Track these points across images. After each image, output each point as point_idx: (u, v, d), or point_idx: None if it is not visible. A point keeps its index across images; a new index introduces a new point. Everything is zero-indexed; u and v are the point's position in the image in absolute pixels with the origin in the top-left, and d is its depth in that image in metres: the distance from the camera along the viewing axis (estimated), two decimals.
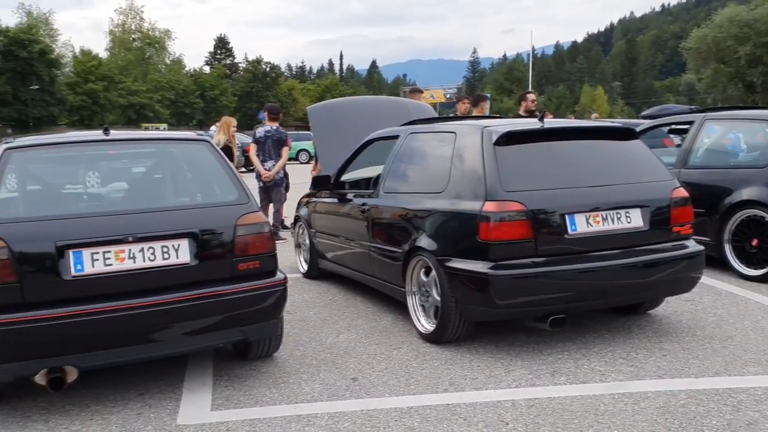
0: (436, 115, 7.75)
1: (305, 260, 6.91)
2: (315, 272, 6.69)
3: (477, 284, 4.19)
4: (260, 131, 9.08)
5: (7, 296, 3.37)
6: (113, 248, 3.55)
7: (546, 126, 4.70)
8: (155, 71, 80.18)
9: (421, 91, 10.48)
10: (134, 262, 3.59)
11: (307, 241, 6.81)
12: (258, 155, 8.96)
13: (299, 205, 7.20)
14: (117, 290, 3.57)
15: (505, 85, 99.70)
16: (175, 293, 3.65)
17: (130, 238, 3.57)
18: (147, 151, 4.34)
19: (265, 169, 8.90)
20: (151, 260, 3.63)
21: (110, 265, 3.54)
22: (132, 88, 70.26)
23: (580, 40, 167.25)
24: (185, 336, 3.76)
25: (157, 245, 3.64)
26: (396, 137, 5.50)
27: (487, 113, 9.63)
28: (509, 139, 4.45)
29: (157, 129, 49.81)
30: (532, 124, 4.87)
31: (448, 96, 62.17)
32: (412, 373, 4.10)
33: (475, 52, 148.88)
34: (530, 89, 34.98)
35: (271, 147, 8.95)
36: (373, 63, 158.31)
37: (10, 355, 3.38)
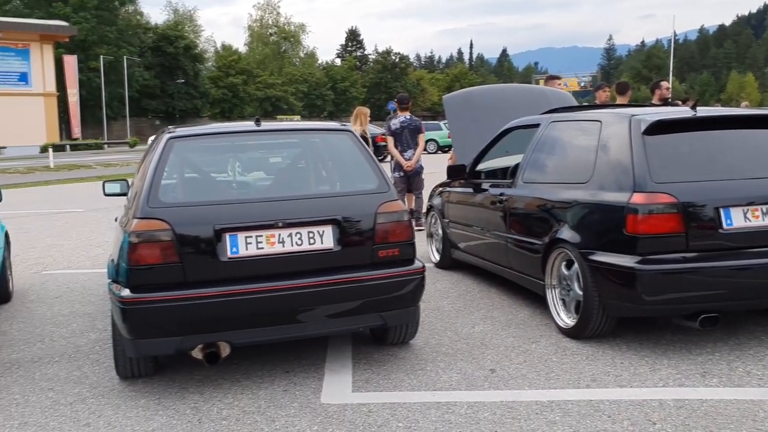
0: (576, 104, 7.51)
1: (437, 250, 6.93)
2: (447, 262, 6.70)
3: (623, 279, 4.04)
4: (395, 122, 9.13)
5: (170, 275, 3.62)
6: (264, 233, 3.72)
7: (699, 114, 4.44)
8: (290, 64, 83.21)
9: (558, 78, 10.19)
10: (283, 246, 3.75)
11: (440, 231, 6.83)
12: (396, 146, 9.03)
13: (432, 195, 7.23)
14: (267, 272, 3.74)
15: (643, 73, 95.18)
16: (319, 277, 3.79)
17: (280, 224, 3.73)
18: (294, 141, 4.51)
19: (406, 159, 8.98)
20: (298, 245, 3.77)
21: (262, 248, 3.72)
22: (268, 81, 73.34)
23: (728, 23, 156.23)
24: (327, 318, 3.89)
25: (303, 231, 3.79)
26: (536, 126, 5.39)
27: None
28: (659, 128, 4.25)
29: (291, 120, 51.69)
30: (684, 112, 4.62)
31: (582, 84, 60.50)
32: (552, 368, 4.02)
33: (610, 38, 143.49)
34: (664, 77, 33.06)
35: (408, 136, 9.00)
36: (504, 51, 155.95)
37: (173, 330, 3.63)
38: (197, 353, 3.78)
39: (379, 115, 60.54)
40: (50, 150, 32.51)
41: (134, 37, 62.05)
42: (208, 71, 73.70)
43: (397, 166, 9.08)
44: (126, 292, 3.62)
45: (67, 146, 45.18)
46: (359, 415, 3.45)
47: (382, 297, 3.89)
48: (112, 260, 4.04)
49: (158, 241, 3.61)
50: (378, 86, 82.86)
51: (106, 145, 50.01)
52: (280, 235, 3.75)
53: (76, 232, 10.58)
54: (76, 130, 50.56)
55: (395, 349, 4.45)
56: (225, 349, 3.78)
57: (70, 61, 49.38)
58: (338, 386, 3.83)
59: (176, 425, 3.43)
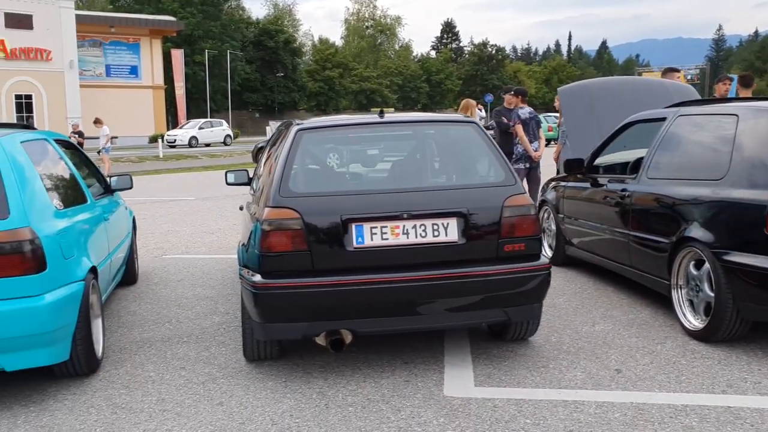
0: (699, 97, 7.18)
1: (550, 246, 6.80)
2: (561, 259, 6.57)
3: (762, 281, 3.83)
4: (523, 113, 8.92)
5: (299, 263, 3.71)
6: (390, 224, 3.75)
7: None
8: (385, 57, 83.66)
9: (677, 70, 9.74)
10: (407, 237, 3.77)
11: (553, 227, 6.69)
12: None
13: (545, 189, 7.10)
14: (390, 263, 3.78)
15: (756, 65, 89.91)
16: (442, 270, 3.78)
17: (405, 215, 3.75)
18: (418, 133, 4.52)
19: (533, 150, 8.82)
20: (422, 237, 3.78)
21: (386, 239, 3.75)
22: (364, 75, 74.04)
23: None
24: (447, 312, 3.88)
25: (428, 223, 3.79)
26: (661, 120, 5.18)
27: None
28: None
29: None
30: None
31: (689, 77, 57.71)
32: (681, 371, 3.87)
33: (720, 29, 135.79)
34: None
35: (534, 128, 8.85)
36: (603, 43, 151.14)
37: (300, 316, 3.73)
38: (321, 340, 3.87)
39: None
40: (160, 140, 34.05)
41: (237, 31, 64.01)
42: (305, 65, 75.19)
43: (522, 158, 8.88)
44: (258, 278, 3.74)
45: None
46: (485, 409, 3.43)
47: (506, 292, 3.85)
48: (243, 246, 4.18)
49: (289, 229, 3.70)
50: (473, 78, 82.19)
51: None
52: (404, 226, 3.77)
53: (189, 219, 11.04)
54: (182, 121, 52.70)
55: (514, 345, 4.39)
56: (347, 337, 3.84)
57: (177, 55, 51.45)
58: (460, 380, 3.83)
59: (304, 409, 3.51)
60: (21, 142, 4.14)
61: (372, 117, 4.35)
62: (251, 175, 6.00)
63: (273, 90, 66.14)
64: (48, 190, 4.10)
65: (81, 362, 3.96)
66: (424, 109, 72.34)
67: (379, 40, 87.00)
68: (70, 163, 4.97)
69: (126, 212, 6.34)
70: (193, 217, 11.28)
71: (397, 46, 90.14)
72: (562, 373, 3.89)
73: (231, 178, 6.00)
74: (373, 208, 3.78)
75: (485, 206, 3.87)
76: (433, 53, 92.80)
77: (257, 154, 22.08)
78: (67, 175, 4.78)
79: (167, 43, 52.69)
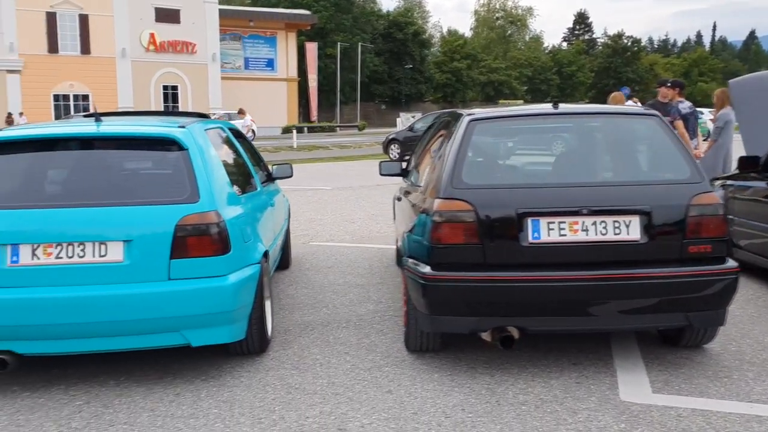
0: None
1: None
2: None
3: None
4: (684, 107, 8.47)
5: (471, 256, 3.67)
6: (568, 219, 3.63)
7: None
8: (515, 48, 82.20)
9: None
10: (586, 234, 3.63)
11: None
12: None
13: None
14: (566, 260, 3.66)
15: None
16: (621, 269, 3.62)
17: (585, 211, 3.62)
18: (595, 125, 4.36)
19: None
20: (603, 234, 3.63)
21: (564, 235, 3.63)
22: (492, 66, 73.09)
23: None
24: (621, 314, 3.71)
25: (609, 220, 3.64)
26: None
27: None
28: None
29: (510, 105, 51.16)
30: None
31: None
32: None
33: None
34: None
35: (694, 124, 8.39)
36: (751, 33, 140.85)
37: (470, 310, 3.69)
38: (487, 336, 3.81)
39: (604, 102, 57.74)
40: (294, 131, 35.20)
41: (367, 24, 64.96)
42: (433, 56, 75.22)
43: None
44: (427, 269, 3.73)
45: (305, 128, 48.64)
46: (668, 418, 3.25)
47: (689, 296, 3.63)
48: (409, 236, 4.19)
49: (461, 221, 3.67)
50: (606, 71, 79.05)
51: (338, 128, 53.07)
52: (584, 222, 3.63)
53: (330, 208, 11.30)
54: (314, 113, 54.27)
55: (688, 351, 4.15)
56: (514, 334, 3.76)
57: (312, 48, 52.98)
58: (636, 385, 3.65)
59: (475, 404, 3.48)
60: (205, 130, 4.35)
61: (546, 108, 4.23)
62: (404, 167, 6.03)
63: (400, 82, 66.64)
64: (228, 176, 4.29)
65: (255, 341, 4.13)
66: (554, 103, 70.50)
67: (509, 32, 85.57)
68: (243, 151, 5.18)
69: (284, 199, 6.55)
70: (333, 206, 11.54)
71: (527, 38, 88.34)
72: (750, 386, 3.62)
73: (385, 169, 6.05)
74: (551, 202, 3.67)
75: (670, 204, 3.67)
76: (564, 45, 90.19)
77: (388, 145, 22.32)
78: (241, 163, 4.99)
79: (301, 36, 54.32)
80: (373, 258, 7.16)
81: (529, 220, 3.64)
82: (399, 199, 5.34)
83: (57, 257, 3.60)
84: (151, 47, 41.02)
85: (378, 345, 4.42)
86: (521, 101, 65.46)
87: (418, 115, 35.70)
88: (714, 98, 8.71)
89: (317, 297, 5.64)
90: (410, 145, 21.59)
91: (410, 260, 3.98)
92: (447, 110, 4.88)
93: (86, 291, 3.58)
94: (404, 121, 38.47)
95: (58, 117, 38.31)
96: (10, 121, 34.96)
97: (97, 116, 4.18)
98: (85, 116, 4.79)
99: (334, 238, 8.47)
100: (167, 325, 3.68)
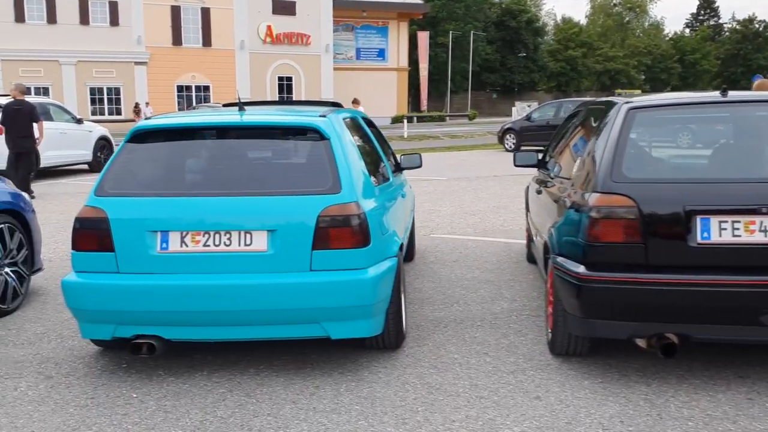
0: None
1: None
2: None
3: None
4: None
5: (632, 256, 3.39)
6: (743, 218, 3.28)
7: None
8: (633, 36, 78.77)
9: None
10: (764, 236, 3.27)
11: None
12: None
13: None
14: (739, 263, 3.31)
15: None
16: None
17: (765, 209, 3.25)
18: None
19: None
20: None
21: (738, 236, 3.29)
22: (609, 54, 70.36)
23: None
24: None
25: None
26: None
27: None
28: None
29: (631, 95, 49.01)
30: None
31: None
32: None
33: None
34: None
35: None
36: None
37: (628, 314, 3.42)
38: (642, 342, 3.52)
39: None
40: (405, 121, 35.28)
41: (480, 12, 64.03)
42: (546, 45, 73.27)
43: None
44: (581, 269, 3.48)
45: (414, 118, 48.63)
46: None
47: None
48: (556, 232, 3.95)
49: (621, 218, 3.39)
50: (734, 58, 74.31)
51: (447, 118, 52.73)
52: (762, 222, 3.27)
53: (447, 199, 11.11)
54: (424, 102, 54.15)
55: None
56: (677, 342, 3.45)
57: (423, 37, 52.78)
58: None
59: (634, 416, 3.21)
60: (342, 119, 4.27)
61: (713, 96, 3.86)
62: (539, 158, 5.77)
63: (512, 70, 65.38)
64: (365, 166, 4.19)
65: (391, 336, 4.02)
66: (674, 91, 67.15)
67: (627, 18, 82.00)
68: (376, 141, 5.09)
69: (410, 190, 6.43)
70: (451, 197, 11.35)
71: (646, 24, 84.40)
72: None
73: (519, 159, 5.81)
74: (725, 199, 3.33)
75: None
76: (687, 32, 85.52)
77: (504, 135, 21.83)
78: (375, 152, 4.89)
79: (413, 25, 54.25)
80: (501, 253, 6.93)
81: (699, 219, 3.32)
82: (539, 192, 5.07)
83: (204, 245, 3.62)
84: (268, 39, 42.15)
85: (518, 346, 4.20)
86: (639, 91, 62.61)
87: (534, 104, 34.82)
88: None
89: (446, 292, 5.48)
90: (527, 135, 21.05)
91: (559, 258, 3.74)
92: (585, 99, 4.57)
93: (232, 279, 3.58)
94: (520, 110, 37.69)
95: (180, 108, 40.17)
96: (137, 110, 37.09)
97: (241, 105, 4.18)
98: (225, 105, 4.84)
99: (456, 231, 8.28)
100: (308, 317, 3.63)
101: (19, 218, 5.30)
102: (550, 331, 4.05)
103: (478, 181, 13.50)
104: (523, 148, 21.26)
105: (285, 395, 3.55)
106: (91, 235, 3.69)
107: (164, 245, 3.64)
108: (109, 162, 3.91)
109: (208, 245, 3.62)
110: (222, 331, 3.72)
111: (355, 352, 4.10)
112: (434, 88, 58.51)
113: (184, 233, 3.64)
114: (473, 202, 10.80)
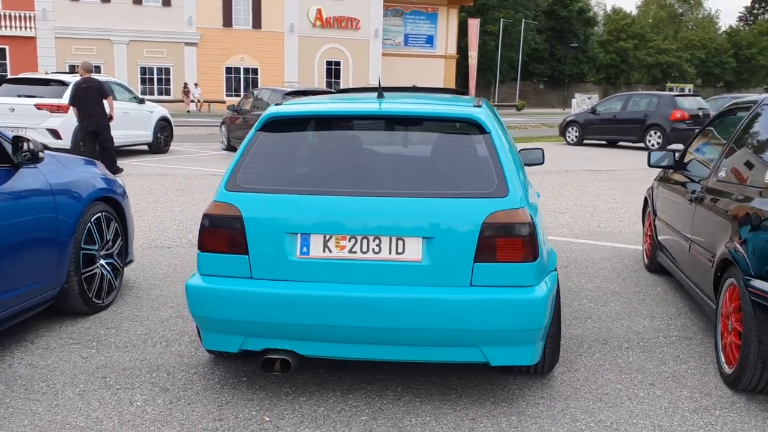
0: None
1: None
2: None
3: None
4: None
5: None
6: None
7: None
8: (686, 29, 76.65)
9: None
10: None
11: None
12: None
13: None
14: None
15: None
16: None
17: None
18: None
19: None
20: None
21: None
22: (661, 47, 68.56)
23: None
24: None
25: None
26: None
27: None
28: None
29: (682, 90, 47.46)
30: None
31: None
32: None
33: None
34: None
35: None
36: None
37: None
38: None
39: None
40: None
41: (530, 1, 62.81)
42: (596, 36, 71.62)
43: None
44: None
45: None
46: None
47: None
48: (751, 249, 3.39)
49: None
50: None
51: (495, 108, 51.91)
52: None
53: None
54: (473, 91, 53.30)
55: None
56: None
57: (474, 25, 51.83)
58: None
59: None
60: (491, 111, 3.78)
61: None
62: (676, 159, 5.22)
63: (561, 61, 64.06)
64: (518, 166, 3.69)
65: (547, 361, 3.53)
66: (727, 88, 65.15)
67: (681, 10, 79.78)
68: (511, 138, 4.58)
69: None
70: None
71: (700, 16, 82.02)
72: None
73: (655, 159, 5.26)
74: None
75: None
76: (741, 25, 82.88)
77: (566, 128, 21.05)
78: (516, 151, 4.39)
79: (462, 12, 53.32)
80: (613, 259, 6.38)
81: None
82: (695, 199, 4.50)
83: (350, 251, 3.17)
84: (318, 23, 41.75)
85: (685, 377, 3.68)
86: (690, 85, 60.84)
87: (594, 97, 33.79)
88: None
89: (572, 305, 4.96)
90: (591, 128, 20.29)
91: (756, 280, 3.21)
92: (733, 95, 3.96)
93: (380, 292, 3.12)
94: (580, 102, 36.70)
95: (229, 89, 40.04)
96: (186, 91, 37.10)
97: (380, 91, 3.71)
98: (359, 90, 4.38)
99: (552, 232, 7.73)
100: (466, 339, 3.15)
101: (115, 206, 4.93)
102: (726, 363, 3.53)
103: (551, 177, 12.88)
104: (585, 141, 20.52)
105: (438, 428, 3.09)
106: (222, 234, 3.26)
107: (305, 250, 3.20)
108: (239, 152, 3.47)
109: (355, 251, 3.17)
110: (364, 349, 3.26)
111: (500, 376, 3.63)
112: (481, 77, 57.59)
113: (328, 237, 3.19)
114: (556, 199, 10.22)
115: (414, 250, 3.15)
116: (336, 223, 3.19)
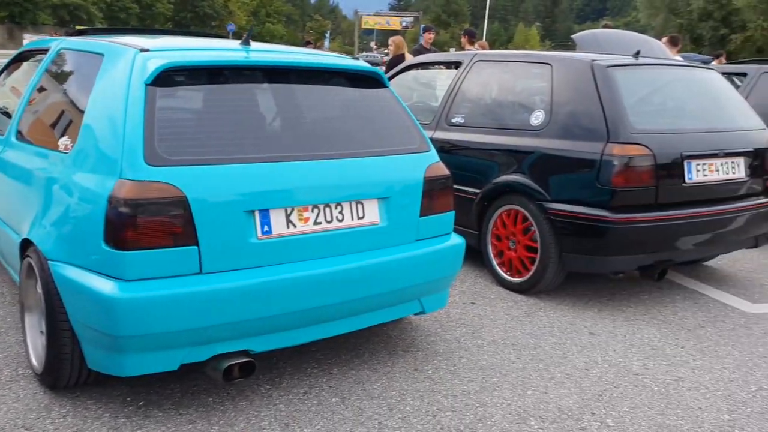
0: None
1: None
2: None
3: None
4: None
5: (645, 198, 3.97)
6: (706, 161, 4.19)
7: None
8: None
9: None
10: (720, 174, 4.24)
11: None
12: None
13: None
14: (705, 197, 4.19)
15: (442, 18, 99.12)
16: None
17: (720, 153, 4.22)
18: None
19: None
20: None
21: (706, 175, 4.18)
22: None
23: None
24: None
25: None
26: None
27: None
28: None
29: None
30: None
31: (404, 24, 61.50)
32: None
33: None
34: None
35: None
36: None
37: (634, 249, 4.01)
38: None
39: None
40: None
41: None
42: None
43: None
44: None
45: None
46: None
47: None
48: None
49: None
50: (183, 3, 76.98)
51: None
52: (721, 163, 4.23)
53: None
54: None
55: None
56: None
57: None
58: None
59: None
60: None
61: None
62: None
63: None
64: None
65: None
66: None
67: None
68: None
69: None
70: None
71: None
72: None
73: None
74: (705, 146, 4.20)
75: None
76: None
77: None
78: None
79: None
80: None
81: (690, 162, 4.08)
82: None
83: (315, 223, 2.80)
84: None
85: None
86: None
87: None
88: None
89: None
90: None
91: None
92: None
93: (346, 263, 2.87)
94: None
95: None
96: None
97: (247, 39, 3.11)
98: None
99: None
100: (412, 293, 3.18)
101: None
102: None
103: None
104: None
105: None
106: (159, 224, 2.44)
107: (266, 228, 2.67)
108: (139, 115, 2.53)
109: (319, 222, 2.81)
110: (318, 330, 2.93)
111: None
112: None
113: (290, 210, 2.73)
114: None
115: (372, 212, 2.98)
116: (296, 194, 2.75)
